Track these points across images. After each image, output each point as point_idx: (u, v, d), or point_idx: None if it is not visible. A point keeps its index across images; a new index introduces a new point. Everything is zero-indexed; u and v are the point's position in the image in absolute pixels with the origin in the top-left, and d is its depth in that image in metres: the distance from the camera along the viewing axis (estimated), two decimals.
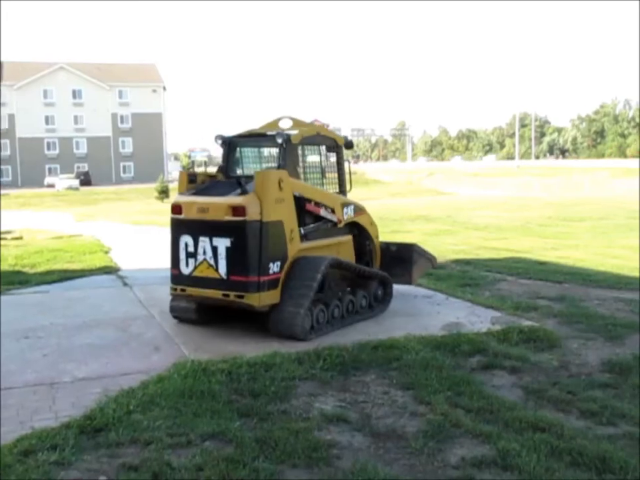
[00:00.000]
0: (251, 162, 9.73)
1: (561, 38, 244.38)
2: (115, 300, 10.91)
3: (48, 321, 9.37)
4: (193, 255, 8.25)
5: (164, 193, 49.42)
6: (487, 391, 6.33)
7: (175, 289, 8.59)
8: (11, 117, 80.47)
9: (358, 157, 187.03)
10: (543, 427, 5.40)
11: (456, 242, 18.75)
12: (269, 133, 9.05)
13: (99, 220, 30.53)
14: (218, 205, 8.16)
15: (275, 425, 5.45)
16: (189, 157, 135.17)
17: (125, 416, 5.56)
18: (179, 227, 8.48)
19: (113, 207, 42.71)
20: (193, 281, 8.32)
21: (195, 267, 8.25)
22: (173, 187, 58.49)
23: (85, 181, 71.25)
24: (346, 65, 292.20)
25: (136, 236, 21.82)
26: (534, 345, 7.93)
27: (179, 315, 9.06)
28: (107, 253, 16.94)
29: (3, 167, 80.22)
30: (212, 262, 8.08)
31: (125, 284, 12.31)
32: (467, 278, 12.53)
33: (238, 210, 7.93)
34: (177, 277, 8.52)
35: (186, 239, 8.29)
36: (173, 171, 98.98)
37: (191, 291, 8.40)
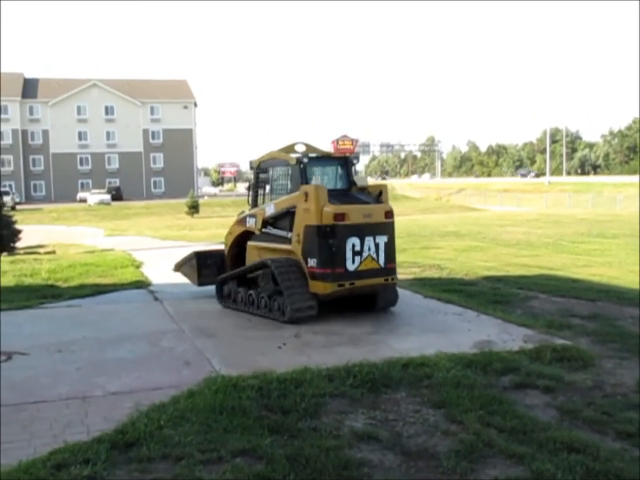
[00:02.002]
0: (330, 179, 11.18)
1: (593, 52, 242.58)
2: (145, 314, 11.01)
3: (80, 334, 9.49)
4: (359, 253, 9.92)
5: (194, 208, 49.89)
6: (520, 411, 6.23)
7: (342, 285, 9.85)
8: (45, 133, 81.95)
9: (387, 173, 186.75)
10: (578, 448, 5.29)
11: (486, 258, 18.55)
12: (345, 155, 11.15)
13: (130, 234, 30.88)
14: (377, 210, 10.29)
15: (306, 442, 5.41)
16: (219, 172, 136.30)
17: (156, 431, 5.58)
18: (345, 230, 9.84)
19: (143, 222, 43.16)
20: (358, 274, 9.95)
21: (361, 262, 9.94)
22: (203, 202, 59.18)
23: (117, 195, 72.17)
24: (375, 80, 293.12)
25: (166, 250, 21.99)
26: (567, 364, 7.80)
27: (303, 314, 9.90)
28: (138, 267, 17.09)
29: (37, 182, 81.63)
30: (374, 256, 10.06)
31: (156, 298, 12.41)
32: (498, 295, 12.38)
33: (391, 213, 10.42)
34: (342, 275, 9.86)
35: (353, 240, 9.88)
36: (203, 186, 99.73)
37: (359, 283, 10.01)
